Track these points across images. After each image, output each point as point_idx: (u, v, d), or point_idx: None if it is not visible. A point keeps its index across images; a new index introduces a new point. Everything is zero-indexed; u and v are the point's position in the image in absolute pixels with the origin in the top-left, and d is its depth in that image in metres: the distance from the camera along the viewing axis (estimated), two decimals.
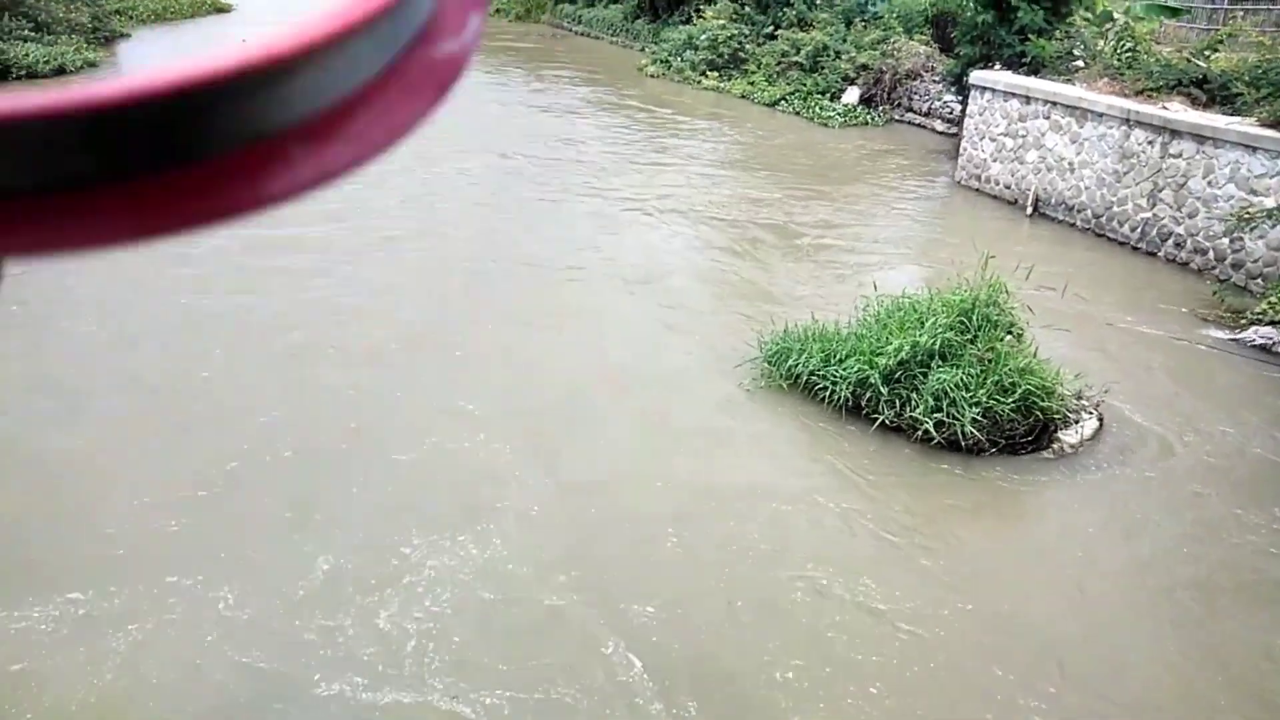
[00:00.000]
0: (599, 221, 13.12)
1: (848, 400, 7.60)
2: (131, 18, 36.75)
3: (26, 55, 24.32)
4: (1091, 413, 7.59)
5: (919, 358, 7.30)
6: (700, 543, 6.17)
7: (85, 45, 27.99)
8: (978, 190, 15.69)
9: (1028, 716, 4.86)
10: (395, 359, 8.66)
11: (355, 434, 7.26)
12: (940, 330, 7.31)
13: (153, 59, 29.45)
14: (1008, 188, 15.03)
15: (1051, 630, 5.54)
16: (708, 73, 25.78)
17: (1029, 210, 14.31)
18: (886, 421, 7.34)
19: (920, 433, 7.20)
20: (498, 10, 43.21)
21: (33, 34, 26.64)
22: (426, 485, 6.69)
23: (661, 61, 27.46)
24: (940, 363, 7.27)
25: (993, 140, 15.36)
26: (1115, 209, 12.95)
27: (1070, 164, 13.71)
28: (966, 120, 16.20)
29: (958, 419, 7.05)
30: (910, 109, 21.59)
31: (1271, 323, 9.51)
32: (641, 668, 5.03)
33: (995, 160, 15.33)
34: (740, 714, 4.87)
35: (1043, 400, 7.09)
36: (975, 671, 5.18)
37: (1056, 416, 7.32)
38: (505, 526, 6.18)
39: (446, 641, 5.16)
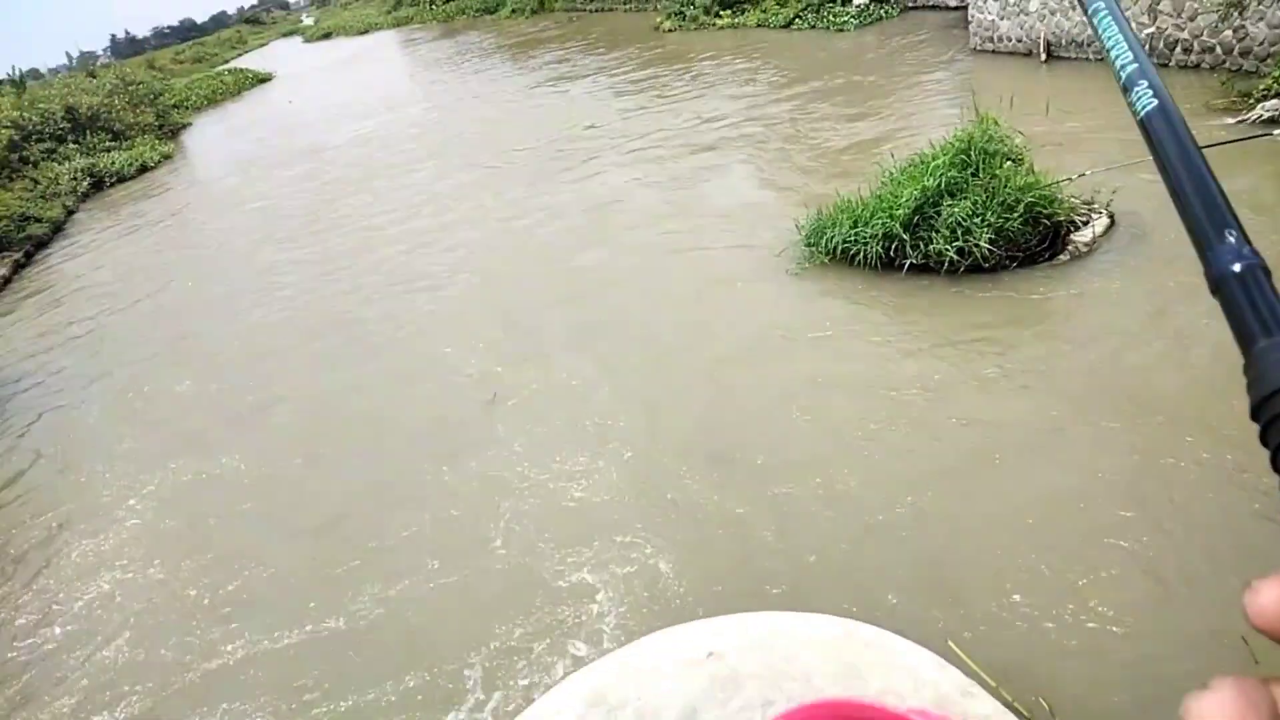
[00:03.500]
0: (655, 165, 14.30)
1: (879, 255, 8.61)
2: (188, 108, 39.55)
3: (113, 163, 26.86)
4: (1101, 213, 8.39)
5: (930, 199, 8.26)
6: (793, 393, 7.36)
7: (157, 142, 30.57)
8: (993, 51, 16.20)
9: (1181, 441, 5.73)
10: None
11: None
12: (943, 171, 8.24)
13: (215, 140, 31.89)
14: (1020, 41, 15.51)
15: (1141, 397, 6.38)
16: (720, 13, 26.56)
17: (1043, 57, 14.80)
18: (914, 262, 8.33)
19: (946, 264, 8.17)
20: (512, 11, 44.57)
21: (112, 143, 29.28)
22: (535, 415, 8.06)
23: (675, 14, 28.36)
24: (949, 200, 8.21)
25: (997, 0, 15.84)
26: None
27: (1071, 2, 14.14)
28: None
29: (975, 245, 7.99)
30: None
31: (1277, 95, 9.99)
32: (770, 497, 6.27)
33: (1002, 18, 15.81)
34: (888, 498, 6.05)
35: (1046, 208, 7.95)
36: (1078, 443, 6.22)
37: (1066, 221, 8.16)
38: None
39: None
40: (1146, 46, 12.88)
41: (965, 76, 15.36)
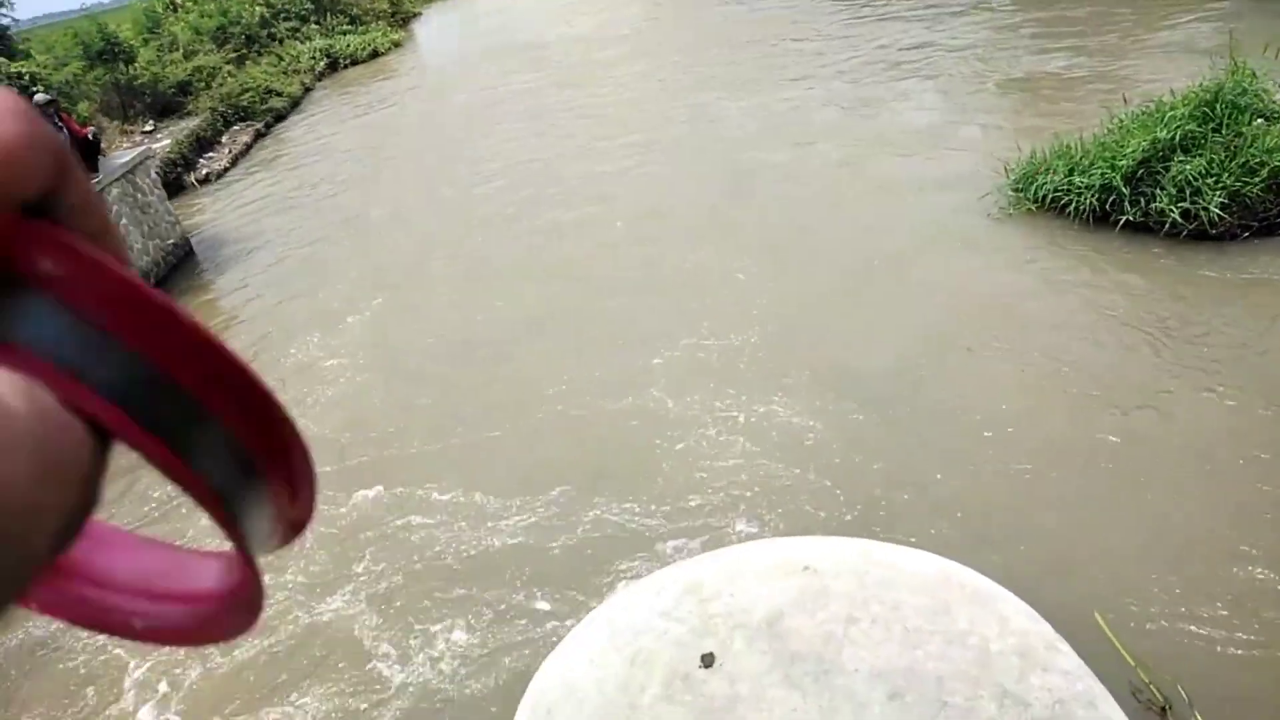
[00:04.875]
0: (866, 84, 13.78)
1: (1093, 208, 8.00)
2: None
3: (349, 45, 28.58)
4: None
5: (1159, 153, 7.55)
6: (989, 344, 7.10)
7: (389, 29, 32.18)
8: None
9: None
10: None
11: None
12: (1180, 123, 7.49)
13: (440, 32, 33.16)
14: None
15: None
16: None
17: None
18: (1131, 219, 7.68)
19: (1167, 225, 7.49)
20: None
21: (349, 27, 31.09)
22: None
23: None
24: (1182, 155, 7.47)
25: None
26: None
27: None
28: None
29: (1204, 207, 7.27)
30: None
31: None
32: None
33: None
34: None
35: None
36: None
37: None
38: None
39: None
40: None
41: (1230, 21, 13.69)
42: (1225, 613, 4.36)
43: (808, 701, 1.67)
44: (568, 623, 4.31)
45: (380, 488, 6.66)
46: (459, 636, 4.91)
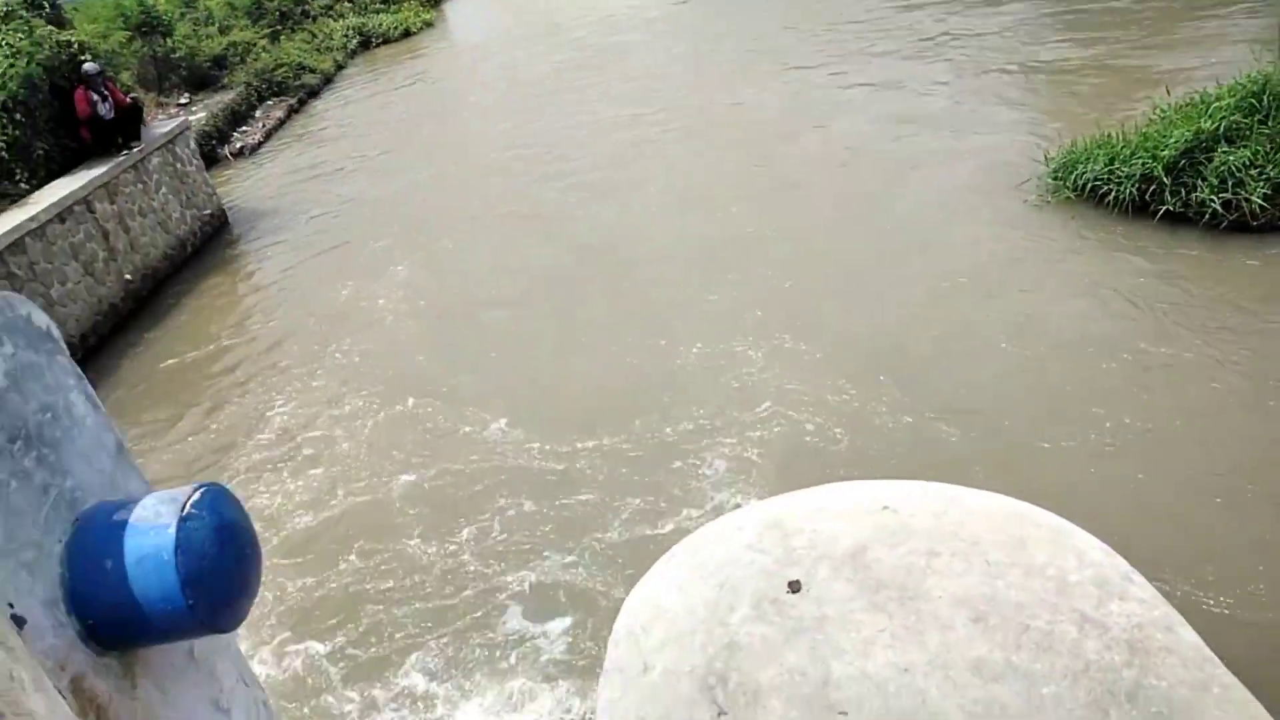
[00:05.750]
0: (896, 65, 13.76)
1: (1133, 198, 8.00)
2: None
3: (381, 24, 28.66)
4: None
5: (1203, 144, 7.54)
6: (1023, 335, 7.15)
7: (421, 8, 32.20)
8: None
9: None
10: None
11: None
12: (1226, 113, 7.48)
13: (471, 13, 33.22)
14: None
15: None
16: None
17: None
18: (1171, 209, 7.68)
19: (1207, 216, 7.49)
20: None
21: (382, 5, 31.15)
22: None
23: None
24: (1226, 146, 7.46)
25: None
26: None
27: None
28: None
29: (1245, 199, 7.26)
30: None
31: None
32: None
33: None
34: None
35: None
36: None
37: None
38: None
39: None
40: None
41: (1275, 14, 13.54)
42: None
43: (894, 622, 1.76)
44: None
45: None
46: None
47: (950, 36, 15.32)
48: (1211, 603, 4.36)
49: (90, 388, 0.81)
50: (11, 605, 0.66)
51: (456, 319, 9.17)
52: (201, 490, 0.77)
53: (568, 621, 5.13)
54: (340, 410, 7.85)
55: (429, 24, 30.45)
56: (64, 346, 0.77)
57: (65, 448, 0.76)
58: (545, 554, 5.66)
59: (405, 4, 31.98)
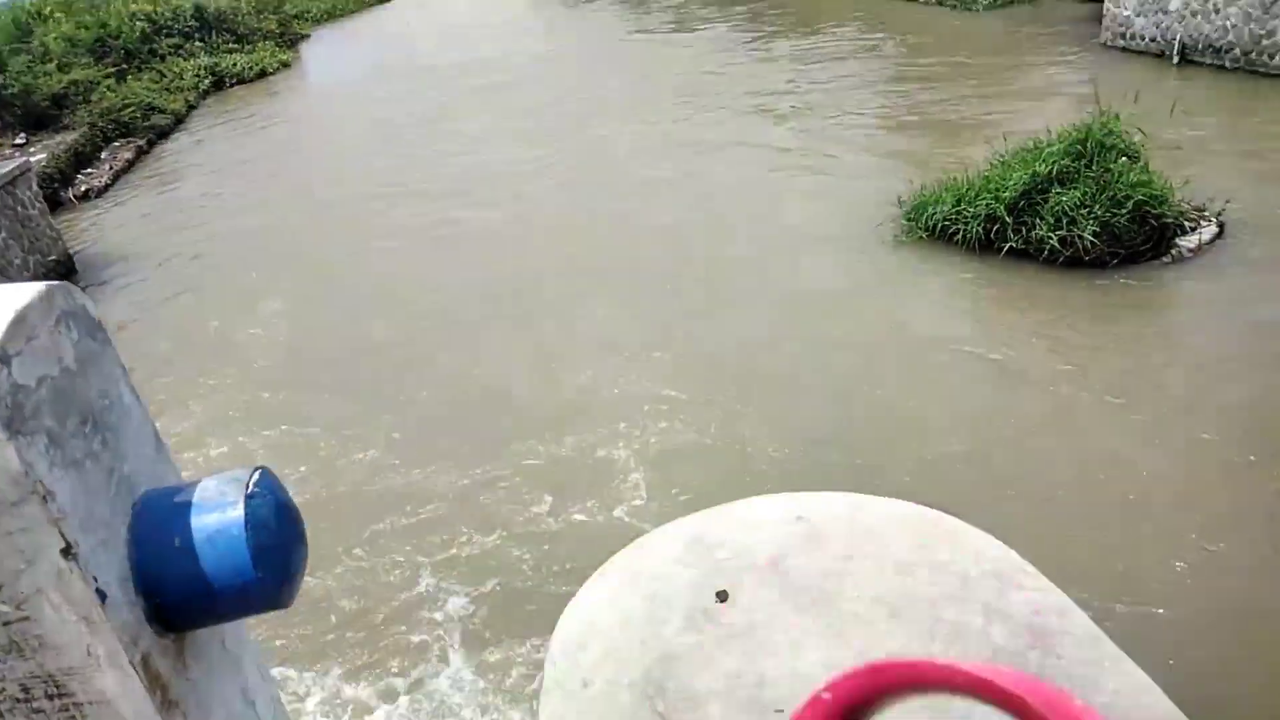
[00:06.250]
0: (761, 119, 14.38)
1: (979, 235, 8.64)
2: (308, 19, 40.38)
3: (235, 64, 27.81)
4: (1210, 220, 8.27)
5: (1039, 185, 8.25)
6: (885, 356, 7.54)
7: (277, 49, 31.43)
8: (1124, 49, 15.72)
9: None
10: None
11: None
12: (1055, 158, 8.21)
13: (329, 54, 32.69)
14: (1153, 40, 15.03)
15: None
16: None
17: (1175, 59, 14.35)
18: (1014, 245, 8.35)
19: (1046, 252, 8.17)
20: None
21: (235, 45, 30.25)
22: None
23: None
24: (1059, 188, 8.18)
25: None
26: (1265, 42, 12.91)
27: (1215, 5, 13.66)
28: None
29: (1079, 235, 7.97)
30: None
31: None
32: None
33: (1139, 15, 15.32)
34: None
35: (1155, 208, 7.88)
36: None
37: (1173, 223, 8.07)
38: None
39: None
40: None
41: (1090, 70, 14.98)
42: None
43: (818, 623, 1.87)
44: None
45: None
46: None
47: (796, 88, 16.16)
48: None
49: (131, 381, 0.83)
50: (95, 579, 0.68)
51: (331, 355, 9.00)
52: (259, 472, 0.80)
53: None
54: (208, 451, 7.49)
55: (286, 65, 29.74)
56: (111, 339, 0.79)
57: (121, 434, 0.77)
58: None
59: (260, 44, 31.17)
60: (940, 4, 22.01)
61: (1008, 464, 5.96)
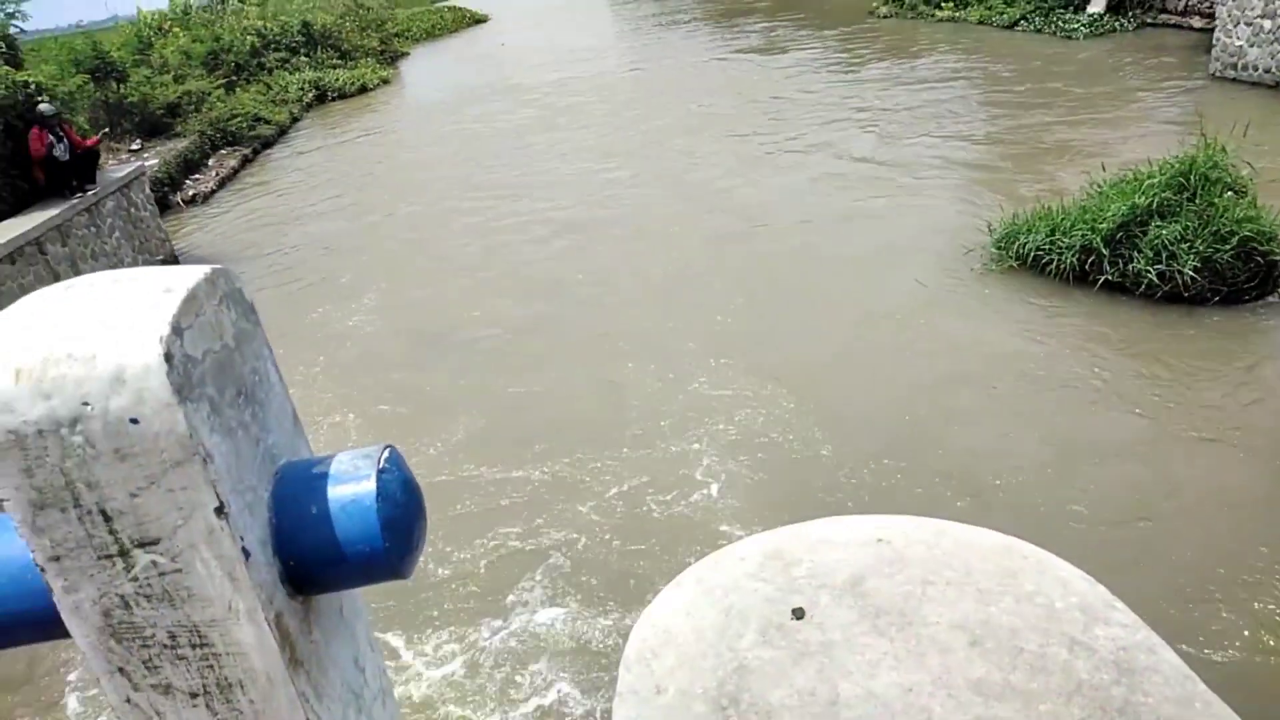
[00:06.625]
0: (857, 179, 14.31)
1: (1073, 267, 8.41)
2: (409, 38, 41.73)
3: (337, 79, 28.86)
4: None
5: (1138, 218, 7.99)
6: (963, 394, 7.41)
7: (378, 66, 32.52)
8: (1234, 79, 15.15)
9: None
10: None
11: None
12: (1157, 190, 7.95)
13: (428, 71, 33.64)
14: (1268, 71, 14.45)
15: None
16: (942, 4, 25.76)
17: None
18: (1110, 279, 8.10)
19: (1143, 286, 7.91)
20: None
21: (338, 61, 31.41)
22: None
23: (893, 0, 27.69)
24: (1159, 221, 7.92)
25: (1248, 24, 14.79)
26: None
27: None
28: (1219, 7, 15.63)
29: (1178, 270, 7.70)
30: (1164, 9, 20.68)
31: None
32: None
33: (1252, 45, 14.75)
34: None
35: (1262, 245, 7.56)
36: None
37: None
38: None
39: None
40: None
41: (1197, 101, 14.47)
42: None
43: (895, 646, 1.86)
44: None
45: None
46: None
47: (887, 110, 16.01)
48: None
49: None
50: (242, 539, 0.75)
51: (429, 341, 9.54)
52: (388, 449, 0.87)
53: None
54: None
55: (386, 81, 30.75)
56: (261, 321, 0.87)
57: (268, 408, 0.85)
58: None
59: (362, 61, 32.30)
60: (1039, 31, 21.59)
61: (1095, 496, 5.77)
